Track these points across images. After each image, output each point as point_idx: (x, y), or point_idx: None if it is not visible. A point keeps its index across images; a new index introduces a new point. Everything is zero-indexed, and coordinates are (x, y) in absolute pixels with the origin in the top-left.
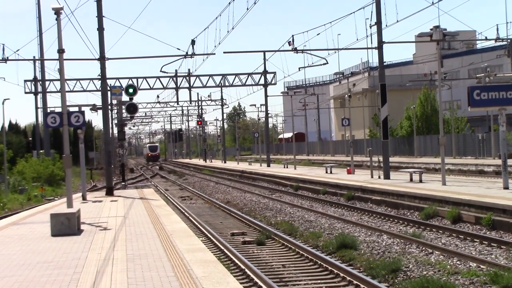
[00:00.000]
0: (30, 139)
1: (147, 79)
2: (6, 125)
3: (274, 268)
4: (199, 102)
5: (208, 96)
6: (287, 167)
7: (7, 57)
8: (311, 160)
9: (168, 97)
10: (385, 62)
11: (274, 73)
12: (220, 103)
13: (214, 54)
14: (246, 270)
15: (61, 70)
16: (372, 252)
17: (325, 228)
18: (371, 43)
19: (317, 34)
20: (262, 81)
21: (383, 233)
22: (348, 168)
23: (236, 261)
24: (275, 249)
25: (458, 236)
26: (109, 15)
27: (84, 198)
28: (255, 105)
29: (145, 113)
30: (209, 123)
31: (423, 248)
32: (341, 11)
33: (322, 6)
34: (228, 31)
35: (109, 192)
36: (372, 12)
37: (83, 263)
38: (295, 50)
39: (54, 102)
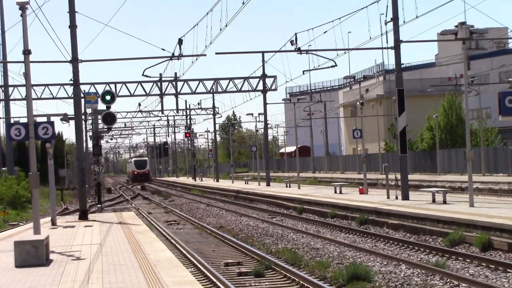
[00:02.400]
0: None
1: (127, 84)
2: None
3: None
4: (188, 111)
5: (198, 104)
6: (289, 186)
7: None
8: (317, 178)
9: (152, 105)
10: (403, 64)
11: (275, 77)
12: (212, 112)
13: (205, 55)
14: None
15: (27, 74)
16: (388, 285)
17: (334, 257)
18: (387, 42)
19: (324, 32)
20: (260, 87)
21: (401, 263)
22: (361, 187)
23: None
24: (275, 281)
25: (488, 265)
26: (82, 11)
27: (53, 223)
28: (252, 114)
29: (125, 124)
30: (199, 135)
31: (448, 280)
32: (351, 5)
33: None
34: (220, 29)
35: (83, 216)
36: (387, 6)
37: None
38: (298, 50)
39: (18, 111)
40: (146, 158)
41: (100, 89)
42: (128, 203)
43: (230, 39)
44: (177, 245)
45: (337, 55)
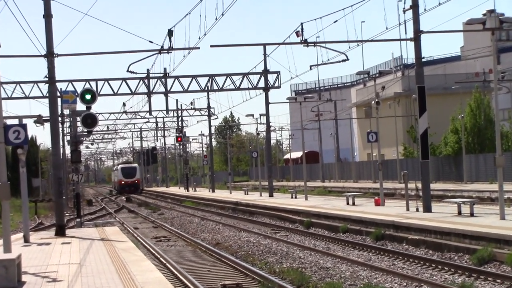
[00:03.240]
0: None
1: (109, 81)
2: None
3: None
4: (179, 111)
5: (191, 103)
6: (295, 197)
7: None
8: (327, 187)
9: (138, 106)
10: (424, 57)
11: (278, 73)
12: (207, 113)
13: (198, 48)
14: None
15: None
16: None
17: (346, 277)
18: (405, 33)
19: (334, 22)
20: (261, 84)
21: (422, 284)
22: (376, 198)
23: None
24: None
25: None
26: None
27: (26, 239)
28: (252, 115)
29: (107, 127)
30: (192, 139)
31: None
32: None
33: None
34: (216, 18)
35: (60, 232)
36: None
37: None
38: (305, 42)
39: None
40: (136, 165)
41: (79, 87)
42: (112, 216)
43: (227, 30)
44: (167, 264)
45: (349, 47)
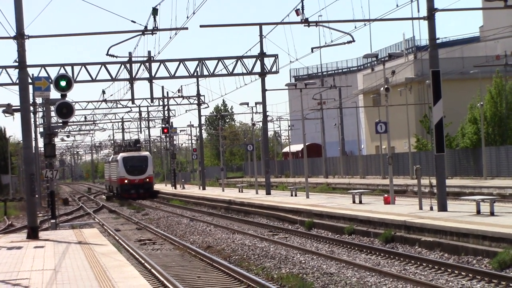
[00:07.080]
0: None
1: (87, 66)
2: None
3: None
4: (165, 99)
5: (178, 91)
6: (295, 195)
7: None
8: (331, 184)
9: (119, 93)
10: (438, 38)
11: (275, 56)
12: (196, 101)
13: (187, 29)
14: None
15: None
16: None
17: (352, 284)
18: (418, 11)
19: None
20: (257, 69)
21: None
22: (386, 195)
23: None
24: None
25: None
26: None
27: None
28: (247, 103)
29: (85, 117)
30: (180, 130)
31: None
32: None
33: None
34: None
35: (33, 235)
36: None
37: None
38: (305, 22)
39: None
40: (147, 153)
41: (53, 73)
42: (90, 217)
43: (218, 8)
44: (153, 270)
45: (355, 27)
